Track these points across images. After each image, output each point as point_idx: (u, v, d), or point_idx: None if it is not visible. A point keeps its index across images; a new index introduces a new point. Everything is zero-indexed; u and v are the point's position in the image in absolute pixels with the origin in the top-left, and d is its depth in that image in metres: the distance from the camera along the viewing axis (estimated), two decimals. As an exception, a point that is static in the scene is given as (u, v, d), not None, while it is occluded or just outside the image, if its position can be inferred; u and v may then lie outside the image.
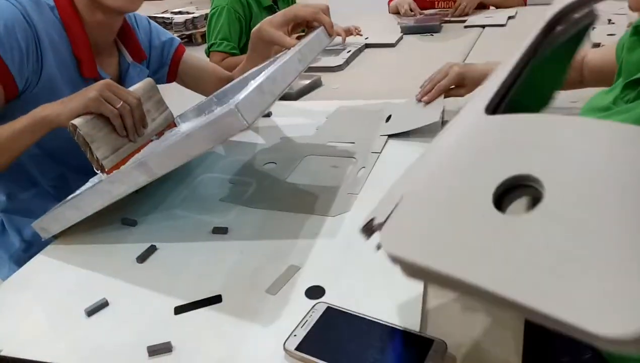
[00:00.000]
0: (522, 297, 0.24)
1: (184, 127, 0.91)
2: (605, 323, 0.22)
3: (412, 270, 0.30)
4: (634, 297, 0.22)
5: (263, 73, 0.63)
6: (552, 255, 0.25)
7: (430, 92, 0.90)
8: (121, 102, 0.72)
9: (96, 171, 0.74)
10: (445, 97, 0.91)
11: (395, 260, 0.31)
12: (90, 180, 0.79)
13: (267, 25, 0.86)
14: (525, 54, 0.40)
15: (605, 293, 0.23)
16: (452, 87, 0.91)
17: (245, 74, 0.94)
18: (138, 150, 0.79)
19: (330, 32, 0.85)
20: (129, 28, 0.95)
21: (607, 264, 0.23)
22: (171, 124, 0.87)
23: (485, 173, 0.29)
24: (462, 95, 0.92)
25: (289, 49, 0.80)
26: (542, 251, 0.25)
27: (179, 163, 0.58)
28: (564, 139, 0.29)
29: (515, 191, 0.28)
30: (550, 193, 0.26)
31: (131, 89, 0.78)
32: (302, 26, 0.89)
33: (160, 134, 0.84)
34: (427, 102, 0.91)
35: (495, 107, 0.36)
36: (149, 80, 0.84)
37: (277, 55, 0.91)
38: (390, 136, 0.88)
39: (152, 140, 0.82)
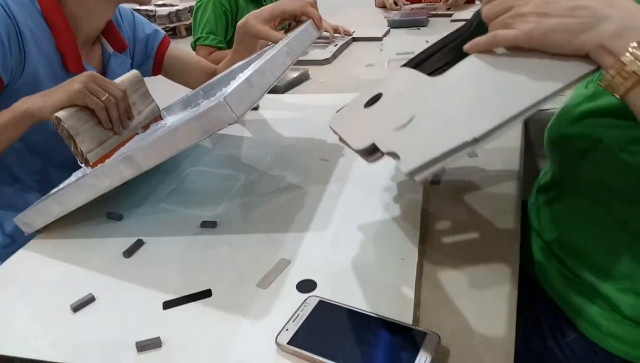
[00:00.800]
0: (347, 137, 0.51)
1: (170, 120, 0.90)
2: (358, 143, 0.47)
3: (336, 135, 0.54)
4: (365, 131, 0.49)
5: (251, 66, 0.62)
6: (365, 120, 0.53)
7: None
8: (106, 95, 0.71)
9: (81, 165, 0.72)
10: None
11: (331, 129, 0.56)
12: (74, 174, 0.77)
13: (254, 19, 0.85)
14: (455, 32, 0.63)
15: (361, 131, 0.50)
16: None
17: (232, 67, 0.93)
18: (123, 143, 0.78)
19: (319, 26, 0.84)
20: None
21: (368, 122, 0.52)
22: (157, 117, 0.86)
23: (370, 92, 0.56)
24: None
25: (277, 43, 0.79)
26: (365, 120, 0.53)
27: (166, 156, 0.57)
28: (402, 78, 0.57)
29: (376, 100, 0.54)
30: (380, 101, 0.53)
31: (116, 81, 0.77)
32: (290, 20, 0.88)
33: (146, 126, 0.83)
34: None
35: (416, 64, 0.62)
36: (134, 72, 0.82)
37: (264, 49, 0.90)
38: None
39: (137, 133, 0.81)
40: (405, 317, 0.47)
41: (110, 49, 0.93)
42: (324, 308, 0.49)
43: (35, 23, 0.80)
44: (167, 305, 0.53)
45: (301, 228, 0.63)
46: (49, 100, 0.69)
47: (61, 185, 0.73)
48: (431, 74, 0.53)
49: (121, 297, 0.55)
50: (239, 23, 0.89)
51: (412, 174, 0.39)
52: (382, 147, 0.44)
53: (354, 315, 0.47)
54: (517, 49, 0.44)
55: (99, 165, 0.68)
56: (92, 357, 0.47)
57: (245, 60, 0.92)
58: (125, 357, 0.47)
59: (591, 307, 0.59)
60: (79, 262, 0.61)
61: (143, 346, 0.47)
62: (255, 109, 1.06)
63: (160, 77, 1.07)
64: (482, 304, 0.50)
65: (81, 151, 0.70)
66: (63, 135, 0.69)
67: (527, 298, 0.64)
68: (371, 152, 0.45)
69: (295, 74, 1.25)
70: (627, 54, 0.37)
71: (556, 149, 0.63)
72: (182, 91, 0.99)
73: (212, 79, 0.94)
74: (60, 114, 0.68)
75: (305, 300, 0.50)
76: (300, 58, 1.44)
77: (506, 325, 0.48)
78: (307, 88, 1.23)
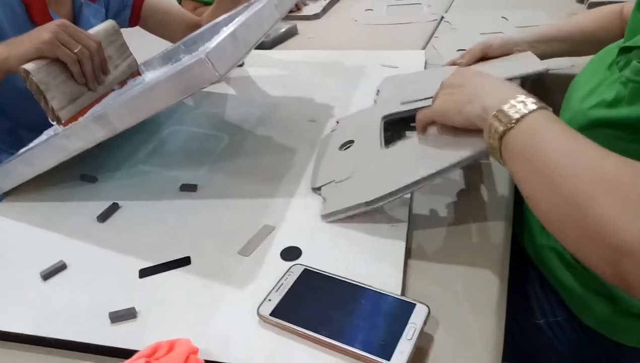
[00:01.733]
0: (315, 171, 0.63)
1: (149, 76, 0.85)
2: (314, 182, 0.61)
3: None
4: (323, 174, 0.61)
5: (237, 19, 0.57)
6: (329, 164, 0.63)
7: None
8: (79, 46, 0.65)
9: (52, 122, 0.68)
10: None
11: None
12: (45, 132, 0.73)
13: None
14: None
15: (322, 172, 0.62)
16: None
17: (216, 20, 0.87)
18: (98, 100, 0.73)
19: None
20: None
21: (330, 166, 0.63)
22: (135, 72, 0.81)
23: (347, 134, 0.67)
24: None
25: None
26: (329, 164, 0.63)
27: (143, 117, 0.53)
28: (370, 133, 0.63)
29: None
30: (347, 149, 0.63)
31: (91, 31, 0.71)
32: None
33: (123, 83, 0.78)
34: None
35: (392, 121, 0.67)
36: (110, 22, 0.76)
37: (251, 1, 0.84)
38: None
39: (114, 90, 0.76)
40: (393, 286, 0.45)
41: None
42: (309, 277, 0.46)
43: None
44: (144, 273, 0.50)
45: (286, 193, 0.60)
46: (15, 50, 0.64)
47: (30, 145, 0.69)
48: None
49: (94, 264, 0.52)
50: None
51: (324, 217, 0.54)
52: (322, 191, 0.58)
53: (340, 285, 0.45)
54: (441, 131, 0.52)
55: (70, 125, 0.64)
56: (62, 329, 0.44)
57: (230, 13, 0.86)
58: (98, 329, 0.44)
59: (586, 292, 0.58)
60: (49, 226, 0.58)
61: (117, 317, 0.45)
62: (240, 65, 1.01)
63: (138, 30, 1.01)
64: (473, 273, 0.48)
65: (52, 108, 0.65)
66: (32, 90, 0.64)
67: (518, 273, 0.63)
68: (318, 191, 0.59)
69: (282, 29, 1.19)
70: (492, 117, 0.43)
71: None
72: (162, 45, 0.93)
73: (195, 33, 0.88)
74: (28, 66, 0.62)
75: (289, 268, 0.47)
76: (288, 12, 1.37)
77: (497, 295, 0.46)
78: (296, 44, 1.17)
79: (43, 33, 0.63)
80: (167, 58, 0.87)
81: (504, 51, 0.76)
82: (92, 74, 0.69)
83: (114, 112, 0.53)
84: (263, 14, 0.59)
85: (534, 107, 0.41)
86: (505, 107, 0.42)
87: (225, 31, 0.52)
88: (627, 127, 0.49)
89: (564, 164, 0.38)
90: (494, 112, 0.42)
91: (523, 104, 0.41)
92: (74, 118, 0.68)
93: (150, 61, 0.86)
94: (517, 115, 0.41)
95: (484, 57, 0.78)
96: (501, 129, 0.41)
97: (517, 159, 0.41)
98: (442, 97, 0.50)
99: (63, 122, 0.66)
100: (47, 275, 0.50)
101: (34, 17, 0.78)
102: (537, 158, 0.39)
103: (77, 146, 0.57)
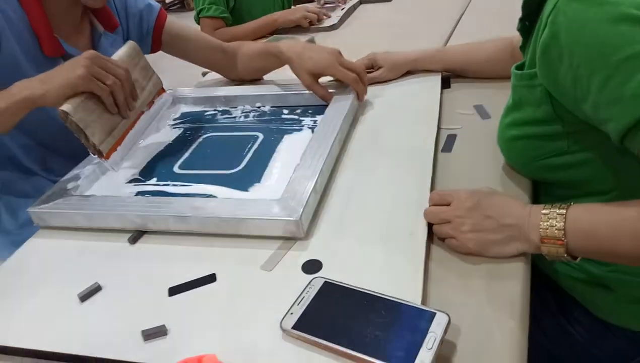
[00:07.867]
0: None
1: (183, 108, 0.91)
2: None
3: None
4: None
5: (313, 169, 0.62)
6: None
7: None
8: (110, 78, 0.66)
9: (93, 155, 0.69)
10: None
11: None
12: (104, 177, 0.73)
13: (297, 61, 0.83)
14: None
15: None
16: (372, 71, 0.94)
17: (262, 88, 0.91)
18: (132, 126, 0.74)
19: (361, 99, 0.83)
20: None
21: None
22: (160, 90, 0.82)
23: None
24: (382, 78, 0.92)
25: (322, 98, 0.82)
26: None
27: (223, 232, 0.59)
28: None
29: None
30: None
31: (114, 57, 0.72)
32: None
33: (150, 103, 0.79)
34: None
35: None
36: (132, 44, 0.76)
37: (298, 91, 0.87)
38: None
39: (143, 112, 0.77)
40: (413, 296, 0.45)
41: (100, 29, 0.88)
42: (329, 289, 0.47)
43: (8, 3, 0.76)
44: (173, 291, 0.52)
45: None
46: (50, 86, 0.64)
47: (92, 192, 0.70)
48: None
49: (127, 285, 0.54)
50: (276, 45, 0.88)
51: None
52: None
53: (360, 296, 0.46)
54: None
55: (111, 157, 0.69)
56: (98, 348, 0.47)
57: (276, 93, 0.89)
58: (132, 347, 0.46)
59: (585, 285, 0.60)
60: (85, 250, 0.61)
61: (149, 335, 0.47)
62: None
63: (163, 53, 1.04)
64: (494, 279, 0.48)
65: (93, 144, 0.66)
66: (72, 129, 0.65)
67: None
68: None
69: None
70: (543, 247, 0.48)
71: None
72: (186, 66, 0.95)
73: (237, 90, 0.92)
74: (66, 108, 0.63)
75: (310, 281, 0.48)
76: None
77: (520, 299, 0.46)
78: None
79: (76, 68, 0.64)
80: (202, 101, 0.92)
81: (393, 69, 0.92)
82: (124, 103, 0.70)
83: (197, 220, 0.58)
84: (331, 155, 0.66)
85: (563, 211, 0.47)
86: (542, 231, 0.47)
87: (308, 186, 0.59)
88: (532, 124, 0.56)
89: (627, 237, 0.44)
90: (540, 243, 0.47)
91: (552, 217, 0.47)
92: (113, 149, 0.70)
93: (185, 98, 0.92)
94: (559, 233, 0.46)
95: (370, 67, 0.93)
96: (561, 250, 0.47)
97: (589, 254, 0.48)
98: (470, 234, 0.50)
99: (105, 155, 0.68)
100: (84, 297, 0.53)
101: (44, 49, 0.79)
102: (603, 246, 0.45)
103: (142, 222, 0.61)
